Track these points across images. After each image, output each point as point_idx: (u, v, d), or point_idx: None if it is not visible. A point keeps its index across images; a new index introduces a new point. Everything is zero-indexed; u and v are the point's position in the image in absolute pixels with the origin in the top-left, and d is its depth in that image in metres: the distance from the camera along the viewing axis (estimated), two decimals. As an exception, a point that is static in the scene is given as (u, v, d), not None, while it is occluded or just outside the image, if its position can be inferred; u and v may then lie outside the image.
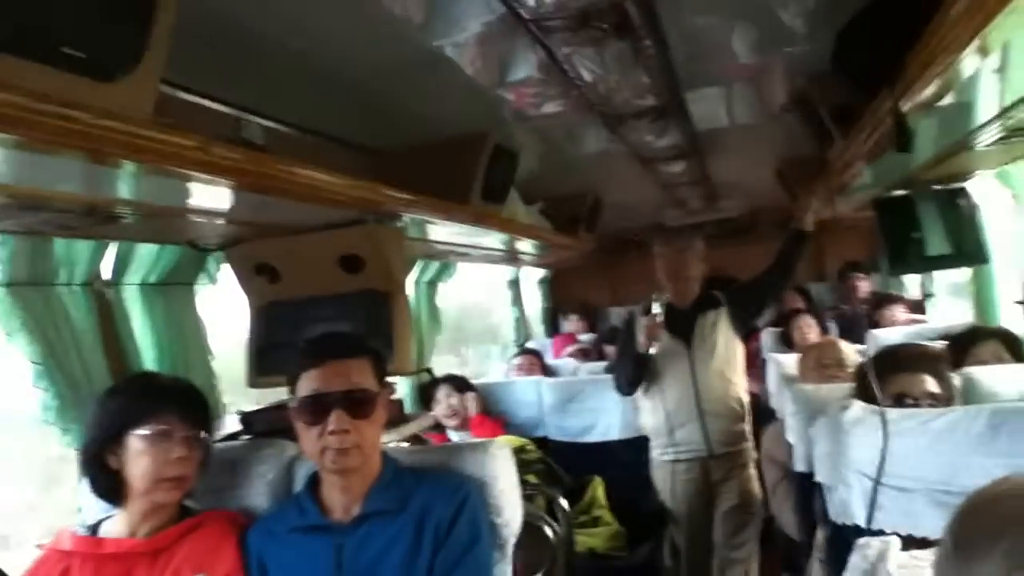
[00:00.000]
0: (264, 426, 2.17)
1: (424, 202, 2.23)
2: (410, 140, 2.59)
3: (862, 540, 1.53)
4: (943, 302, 4.88)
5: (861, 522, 1.78)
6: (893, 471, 1.75)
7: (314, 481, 1.77)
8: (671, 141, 3.23)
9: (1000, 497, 0.73)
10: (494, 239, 3.35)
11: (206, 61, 1.69)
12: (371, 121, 2.41)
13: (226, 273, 2.41)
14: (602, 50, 1.89)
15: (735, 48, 2.29)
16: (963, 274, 4.06)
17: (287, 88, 2.00)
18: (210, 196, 1.60)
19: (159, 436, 1.65)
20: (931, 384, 2.08)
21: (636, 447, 3.59)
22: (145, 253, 2.20)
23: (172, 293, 2.32)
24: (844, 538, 1.79)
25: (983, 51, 1.40)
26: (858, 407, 1.87)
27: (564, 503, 2.71)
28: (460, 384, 3.73)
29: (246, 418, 2.23)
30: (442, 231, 2.72)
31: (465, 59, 2.07)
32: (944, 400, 2.04)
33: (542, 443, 3.67)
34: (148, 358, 2.25)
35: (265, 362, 2.24)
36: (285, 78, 1.94)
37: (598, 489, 3.40)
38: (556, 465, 3.31)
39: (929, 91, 1.62)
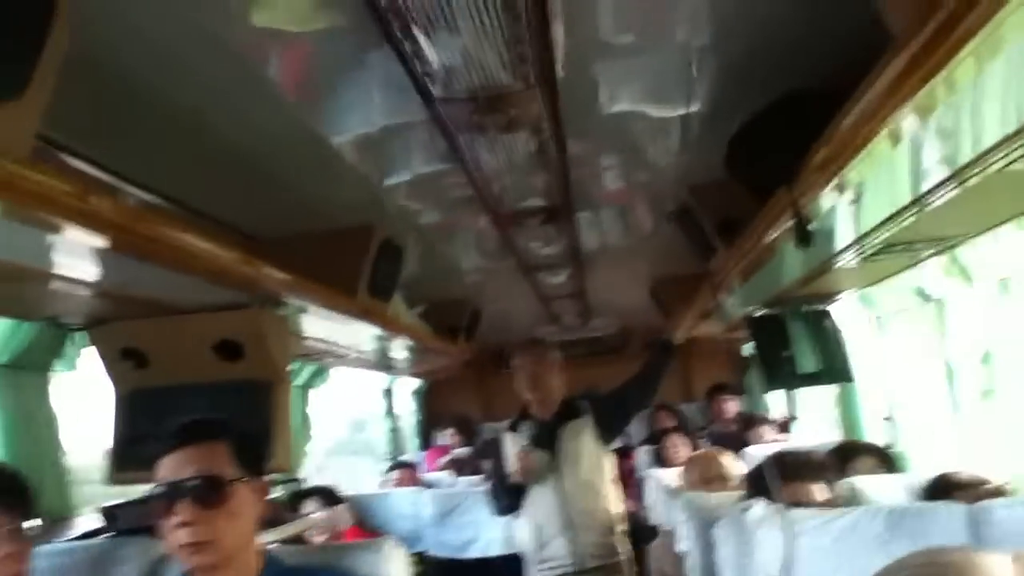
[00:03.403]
0: (129, 522, 1.92)
1: (312, 288, 2.12)
2: (293, 228, 2.48)
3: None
4: (813, 423, 5.03)
5: (769, 628, 1.73)
6: (799, 573, 1.74)
7: None
8: (555, 250, 3.28)
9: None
10: (374, 340, 3.23)
11: (85, 118, 1.56)
12: (254, 205, 2.29)
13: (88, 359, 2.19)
14: (503, 140, 1.90)
15: (621, 163, 2.37)
16: (827, 397, 4.24)
17: (168, 160, 1.86)
18: (81, 257, 1.44)
19: None
20: (819, 492, 2.12)
21: (518, 563, 3.44)
22: (-4, 328, 1.99)
23: (23, 379, 2.08)
24: (752, 646, 1.75)
25: (840, 188, 1.51)
26: (760, 507, 1.87)
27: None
28: (329, 496, 3.49)
29: (108, 513, 1.97)
30: (324, 325, 2.59)
31: (361, 151, 2.03)
32: (833, 506, 2.05)
33: (420, 559, 3.48)
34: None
35: (127, 456, 2.01)
36: (167, 149, 1.80)
37: (478, 611, 3.22)
38: (436, 581, 3.12)
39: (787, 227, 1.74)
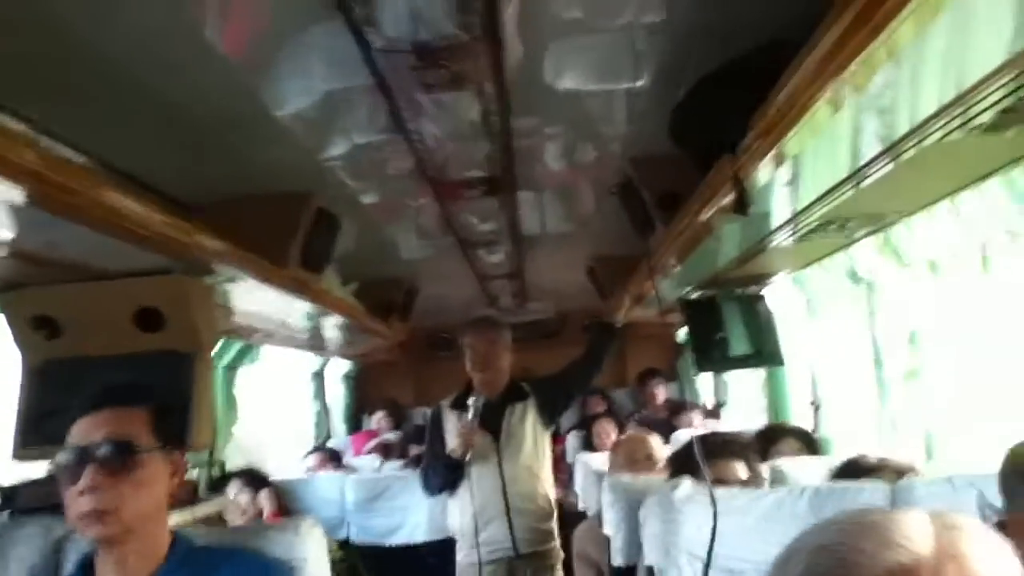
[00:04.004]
0: (30, 502, 1.81)
1: (240, 255, 2.04)
2: (224, 193, 2.38)
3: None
4: (742, 410, 5.11)
5: (692, 606, 1.73)
6: (723, 552, 1.76)
7: (88, 564, 1.47)
8: (494, 226, 3.24)
9: (800, 536, 0.73)
10: (304, 316, 3.14)
11: (4, 68, 1.45)
12: (184, 167, 2.18)
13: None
14: (446, 101, 1.84)
15: (565, 133, 2.32)
16: (755, 384, 4.30)
17: (95, 117, 1.75)
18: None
19: None
20: (742, 470, 2.17)
21: (443, 549, 3.43)
22: None
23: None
24: (676, 623, 1.76)
25: (779, 159, 1.51)
26: (688, 485, 1.88)
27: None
28: (253, 479, 3.40)
29: (6, 493, 1.85)
30: (252, 297, 2.49)
31: (298, 113, 1.94)
32: (754, 486, 2.11)
33: (344, 546, 3.42)
34: None
35: (36, 431, 1.90)
36: (94, 105, 1.69)
37: (402, 598, 3.17)
38: (361, 566, 3.06)
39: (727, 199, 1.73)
